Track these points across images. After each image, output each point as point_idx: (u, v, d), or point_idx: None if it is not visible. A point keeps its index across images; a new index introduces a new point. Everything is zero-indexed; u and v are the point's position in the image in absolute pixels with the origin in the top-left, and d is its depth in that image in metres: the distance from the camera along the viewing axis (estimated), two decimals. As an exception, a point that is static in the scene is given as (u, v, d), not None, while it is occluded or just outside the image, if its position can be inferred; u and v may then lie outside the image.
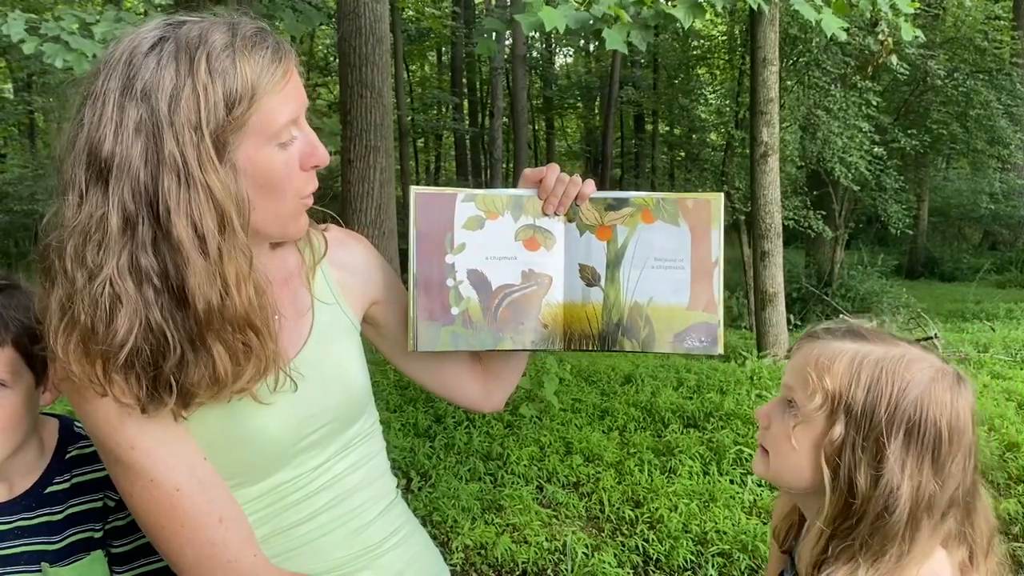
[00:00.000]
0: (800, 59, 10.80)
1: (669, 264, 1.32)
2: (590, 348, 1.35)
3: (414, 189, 1.30)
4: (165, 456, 1.07)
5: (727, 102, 14.35)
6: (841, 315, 10.47)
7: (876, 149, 10.52)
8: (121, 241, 0.99)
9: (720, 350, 1.33)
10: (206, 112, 1.00)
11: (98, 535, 1.33)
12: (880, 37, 4.90)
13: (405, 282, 1.32)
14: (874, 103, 10.46)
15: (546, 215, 1.33)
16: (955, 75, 12.19)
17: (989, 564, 1.10)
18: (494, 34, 4.01)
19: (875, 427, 1.05)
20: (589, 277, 1.34)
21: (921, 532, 1.03)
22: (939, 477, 1.04)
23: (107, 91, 1.00)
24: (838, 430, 1.08)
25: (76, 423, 1.42)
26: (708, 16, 3.80)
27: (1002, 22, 14.09)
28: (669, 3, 3.34)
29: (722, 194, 1.35)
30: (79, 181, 1.00)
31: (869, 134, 10.42)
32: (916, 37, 4.49)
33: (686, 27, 3.45)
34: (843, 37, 4.07)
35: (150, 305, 0.99)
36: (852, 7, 4.08)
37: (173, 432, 1.07)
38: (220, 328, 1.02)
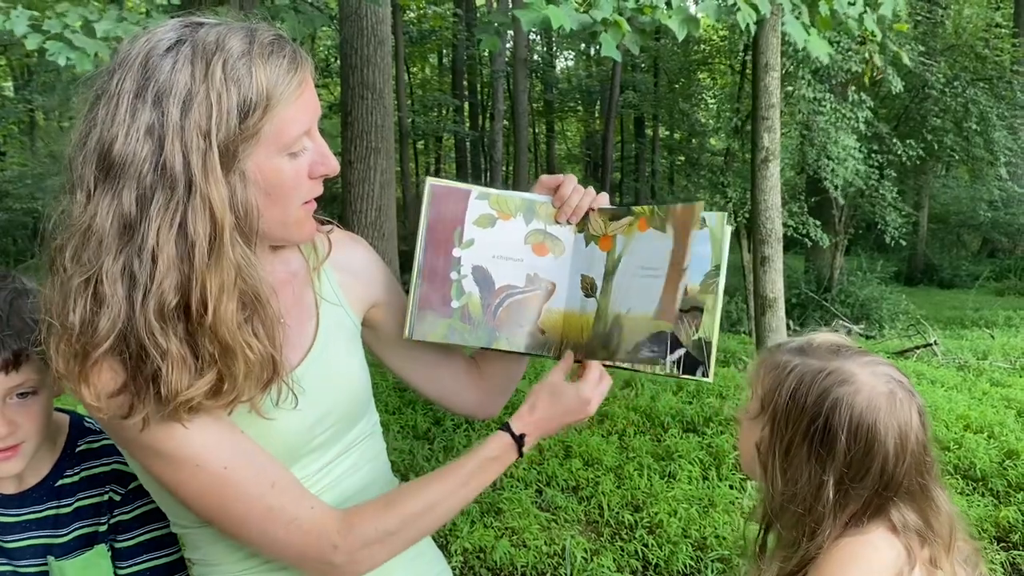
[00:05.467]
0: (800, 65, 10.79)
1: (649, 272, 1.27)
2: (577, 359, 1.32)
3: (430, 180, 1.30)
4: (205, 437, 1.06)
5: (726, 106, 14.37)
6: (840, 321, 10.47)
7: (860, 167, 10.45)
8: (119, 243, 0.98)
9: (667, 366, 1.24)
10: (218, 119, 0.99)
11: (103, 529, 1.33)
12: (865, 56, 4.98)
13: (406, 281, 1.32)
14: (862, 118, 10.40)
15: (557, 223, 1.33)
16: (954, 83, 12.19)
17: (952, 562, 1.17)
18: (496, 30, 4.01)
19: (789, 431, 1.18)
20: (588, 288, 1.33)
21: (823, 526, 1.15)
22: (841, 479, 1.15)
23: (121, 91, 0.99)
24: (766, 431, 1.22)
25: (87, 419, 1.42)
26: (705, 25, 3.83)
27: (1003, 30, 14.11)
28: (665, 13, 3.36)
29: (703, 201, 1.30)
30: (87, 180, 0.99)
31: (856, 150, 10.34)
32: (885, 63, 4.58)
33: (680, 38, 3.47)
34: (826, 61, 4.13)
35: (135, 309, 0.98)
36: (839, 24, 4.13)
37: (207, 412, 1.06)
38: (192, 336, 1.01)
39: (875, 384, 1.17)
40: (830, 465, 1.14)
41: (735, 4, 3.42)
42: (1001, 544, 3.85)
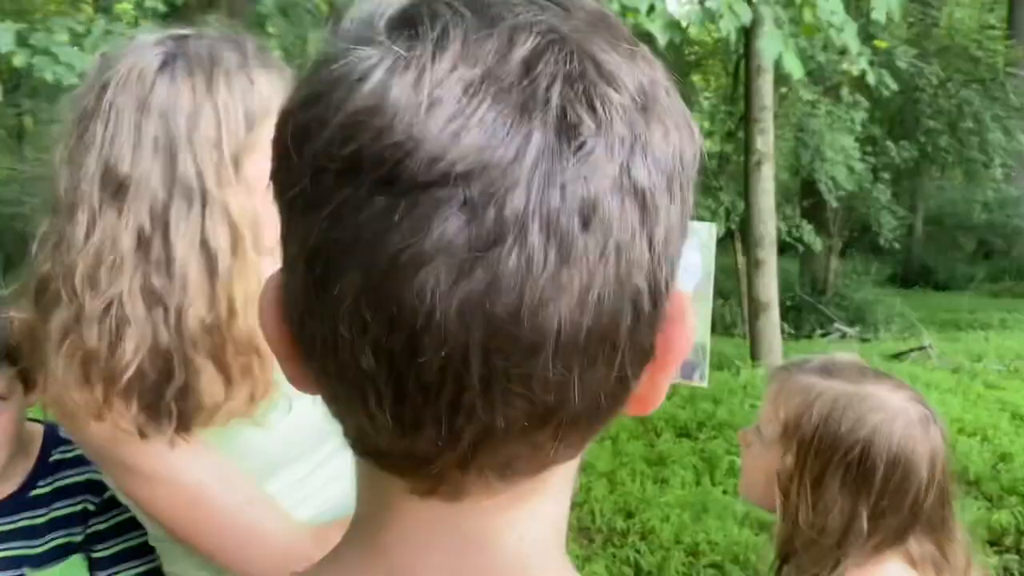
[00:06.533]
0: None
1: None
2: None
3: None
4: (180, 455, 1.04)
5: (720, 109, 14.38)
6: (835, 324, 10.47)
7: (857, 166, 10.47)
8: (134, 261, 0.97)
9: None
10: (227, 130, 1.00)
11: (79, 539, 1.32)
12: (844, 66, 5.06)
13: None
14: (858, 120, 10.40)
15: None
16: (948, 85, 12.20)
17: None
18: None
19: (820, 459, 1.13)
20: None
21: (848, 558, 1.10)
22: (875, 510, 1.11)
23: (120, 108, 0.98)
24: (789, 459, 1.15)
25: (61, 428, 1.41)
26: (692, 32, 3.84)
27: (996, 31, 14.13)
28: (648, 17, 3.36)
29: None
30: (91, 200, 0.98)
31: (851, 151, 10.34)
32: (865, 72, 4.66)
33: (662, 44, 3.48)
34: (797, 76, 4.16)
35: (158, 327, 0.97)
36: (819, 31, 4.15)
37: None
38: (222, 348, 1.00)
39: (908, 411, 1.13)
40: (865, 496, 1.10)
41: (719, 11, 3.42)
42: (994, 548, 3.84)
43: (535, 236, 0.35)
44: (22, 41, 3.40)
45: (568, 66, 0.37)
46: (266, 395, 1.05)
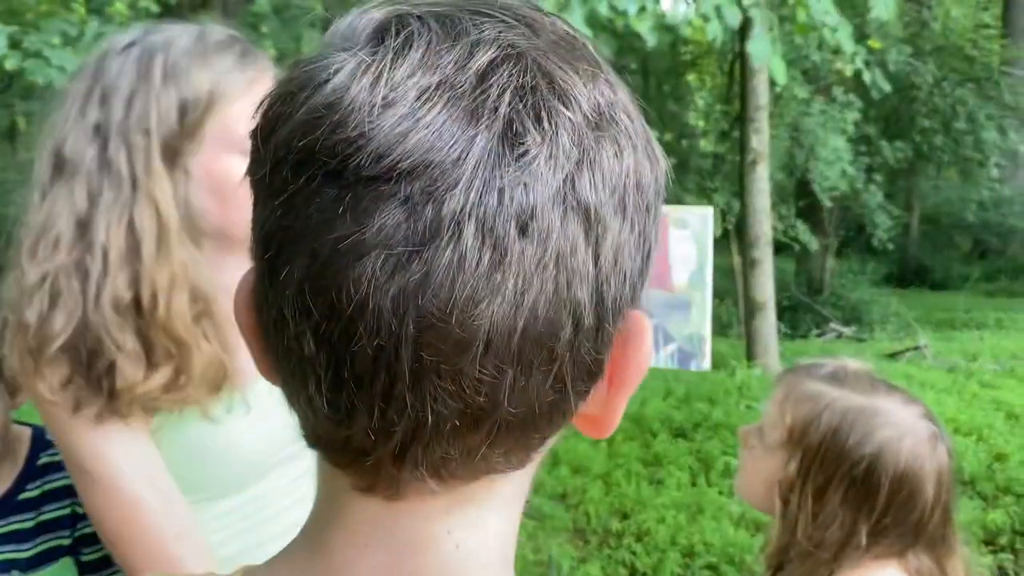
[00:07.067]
0: (790, 66, 10.75)
1: None
2: None
3: None
4: (130, 467, 1.05)
5: (716, 108, 14.39)
6: (831, 324, 10.47)
7: (848, 170, 10.45)
8: (72, 240, 1.00)
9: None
10: (157, 117, 1.01)
11: (67, 542, 1.31)
12: (837, 66, 5.10)
13: None
14: (851, 120, 10.38)
15: None
16: (942, 84, 12.21)
17: None
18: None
19: (824, 471, 1.11)
20: None
21: (844, 569, 1.09)
22: (876, 527, 1.09)
23: (75, 94, 1.03)
24: (792, 467, 1.13)
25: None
26: (697, 26, 3.85)
27: (991, 30, 14.15)
28: (636, 18, 3.36)
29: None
30: (43, 180, 1.02)
31: (842, 152, 10.32)
32: (859, 72, 4.69)
33: (651, 43, 3.49)
34: (782, 81, 4.17)
35: (89, 304, 0.99)
36: (813, 30, 4.17)
37: (138, 442, 1.06)
38: (145, 330, 1.02)
39: (917, 428, 1.11)
40: (866, 512, 1.08)
41: (706, 15, 3.43)
42: (989, 547, 3.84)
43: (470, 236, 0.36)
44: (14, 44, 3.39)
45: (521, 79, 0.38)
46: (189, 384, 1.05)
